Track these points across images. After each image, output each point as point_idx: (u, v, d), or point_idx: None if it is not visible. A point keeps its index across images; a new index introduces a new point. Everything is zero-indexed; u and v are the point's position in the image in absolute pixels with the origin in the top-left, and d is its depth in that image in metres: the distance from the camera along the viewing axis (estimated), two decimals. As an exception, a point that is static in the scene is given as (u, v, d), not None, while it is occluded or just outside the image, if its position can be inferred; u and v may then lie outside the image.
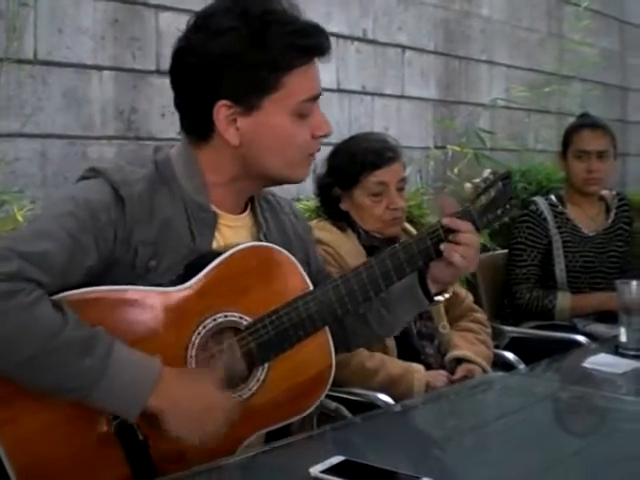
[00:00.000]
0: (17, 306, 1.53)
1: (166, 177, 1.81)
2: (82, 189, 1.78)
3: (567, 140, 3.74)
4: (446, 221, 1.91)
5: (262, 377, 1.80)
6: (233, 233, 1.89)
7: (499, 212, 1.99)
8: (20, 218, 2.74)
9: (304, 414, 1.88)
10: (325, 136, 1.86)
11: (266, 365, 1.80)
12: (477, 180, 2.01)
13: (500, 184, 1.98)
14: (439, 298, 2.02)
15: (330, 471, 1.49)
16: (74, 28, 3.26)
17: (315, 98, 1.83)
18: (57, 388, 1.57)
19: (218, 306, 1.76)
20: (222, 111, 1.78)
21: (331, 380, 1.89)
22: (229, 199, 1.89)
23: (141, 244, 1.73)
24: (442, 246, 1.89)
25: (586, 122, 3.78)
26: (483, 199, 1.97)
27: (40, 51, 3.17)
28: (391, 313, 2.07)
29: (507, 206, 1.99)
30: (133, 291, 1.70)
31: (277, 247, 1.89)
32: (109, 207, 1.71)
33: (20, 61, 3.09)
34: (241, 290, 1.80)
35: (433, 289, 1.99)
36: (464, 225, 1.90)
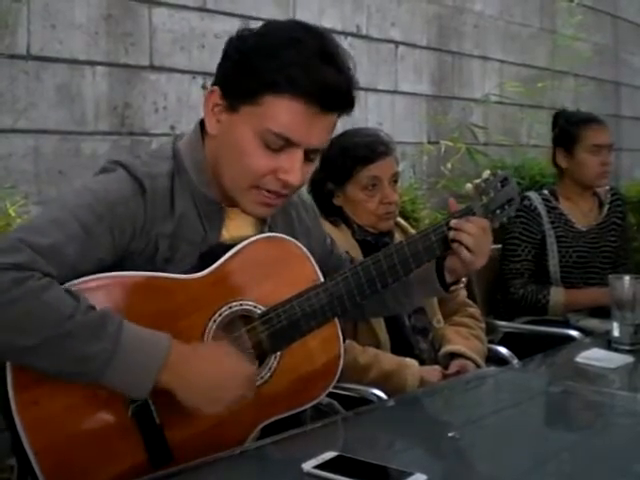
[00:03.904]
0: (27, 292, 1.52)
1: (178, 169, 1.84)
2: (102, 181, 1.79)
3: (574, 136, 3.71)
4: (454, 223, 2.01)
5: (274, 365, 1.83)
6: (238, 227, 1.91)
7: (498, 212, 2.11)
8: (13, 213, 2.75)
9: (314, 402, 1.91)
10: (287, 185, 1.77)
11: (278, 354, 1.83)
12: (477, 181, 2.13)
13: (499, 185, 2.11)
14: (455, 287, 2.15)
15: (323, 466, 1.50)
16: (67, 23, 3.25)
17: (291, 143, 1.74)
18: (68, 372, 1.56)
19: (233, 294, 1.80)
20: (213, 96, 1.80)
21: (340, 369, 1.93)
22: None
23: (161, 237, 1.76)
24: (454, 245, 2.00)
25: (591, 117, 3.77)
26: (484, 198, 2.09)
27: (33, 47, 3.16)
28: (409, 297, 2.20)
29: (506, 207, 2.12)
30: (149, 277, 1.72)
31: (291, 239, 1.94)
32: (128, 200, 1.72)
33: (13, 56, 3.09)
34: (256, 279, 1.84)
35: (449, 279, 2.09)
36: (468, 226, 1.99)
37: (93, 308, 1.58)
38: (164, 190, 1.78)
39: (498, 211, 2.10)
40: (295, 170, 1.76)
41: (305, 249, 1.95)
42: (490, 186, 2.10)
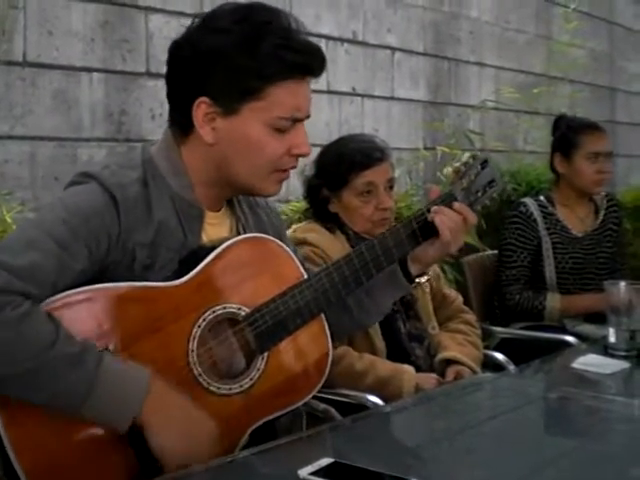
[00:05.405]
0: (3, 323, 1.52)
1: (153, 175, 1.82)
2: (73, 195, 1.78)
3: (572, 142, 3.70)
4: (434, 209, 2.01)
5: (262, 366, 1.82)
6: (215, 230, 1.90)
7: (480, 194, 2.10)
8: (9, 220, 2.75)
9: (304, 401, 1.90)
10: (302, 156, 1.87)
11: (265, 354, 1.82)
12: (457, 164, 2.13)
13: (479, 167, 2.09)
14: (420, 279, 2.11)
15: (319, 473, 1.49)
16: (64, 30, 3.26)
17: (297, 120, 1.82)
18: (47, 404, 1.58)
19: (216, 298, 1.78)
20: (202, 107, 1.79)
21: (329, 367, 1.91)
22: (210, 198, 1.90)
23: (139, 246, 1.74)
24: (437, 220, 1.98)
25: (591, 124, 3.77)
26: (464, 182, 2.08)
27: (29, 53, 3.16)
28: (370, 297, 2.13)
29: (487, 189, 2.10)
30: (131, 288, 1.71)
31: (270, 237, 1.93)
32: (101, 212, 1.71)
33: (9, 63, 3.09)
34: (238, 281, 1.82)
35: (414, 270, 2.08)
36: (447, 210, 2.00)
37: (72, 338, 1.59)
38: (136, 198, 1.77)
39: (479, 193, 2.09)
40: (305, 142, 1.84)
41: (287, 247, 1.94)
42: (470, 169, 2.09)
